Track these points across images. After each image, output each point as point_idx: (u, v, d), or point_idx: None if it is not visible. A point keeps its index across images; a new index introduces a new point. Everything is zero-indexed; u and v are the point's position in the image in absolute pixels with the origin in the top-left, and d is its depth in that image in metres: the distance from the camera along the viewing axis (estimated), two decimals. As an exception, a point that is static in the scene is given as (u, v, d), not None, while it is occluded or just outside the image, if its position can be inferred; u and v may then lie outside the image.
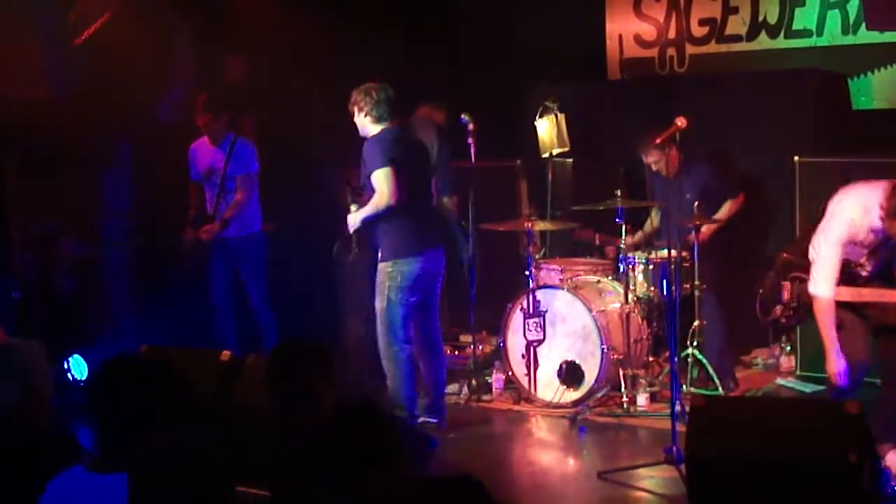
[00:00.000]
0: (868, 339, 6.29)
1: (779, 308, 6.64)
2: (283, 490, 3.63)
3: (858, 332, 6.28)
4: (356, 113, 7.46)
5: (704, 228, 8.32)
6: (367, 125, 7.44)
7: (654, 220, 8.89)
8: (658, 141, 7.40)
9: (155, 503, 3.20)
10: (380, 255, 7.50)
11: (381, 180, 7.23)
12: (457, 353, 9.35)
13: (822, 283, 6.25)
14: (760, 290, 6.91)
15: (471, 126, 8.14)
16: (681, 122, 7.32)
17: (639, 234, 8.81)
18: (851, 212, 6.22)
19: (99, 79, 8.48)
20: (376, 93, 7.41)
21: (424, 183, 7.69)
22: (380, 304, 7.45)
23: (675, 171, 8.17)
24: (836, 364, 6.19)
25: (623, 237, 8.27)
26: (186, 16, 9.23)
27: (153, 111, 8.99)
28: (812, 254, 6.37)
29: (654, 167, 8.34)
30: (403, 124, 8.61)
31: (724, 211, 8.53)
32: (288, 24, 9.33)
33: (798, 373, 8.66)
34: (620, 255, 8.36)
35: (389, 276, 7.42)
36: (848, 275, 6.29)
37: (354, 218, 7.41)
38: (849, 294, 6.27)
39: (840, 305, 6.24)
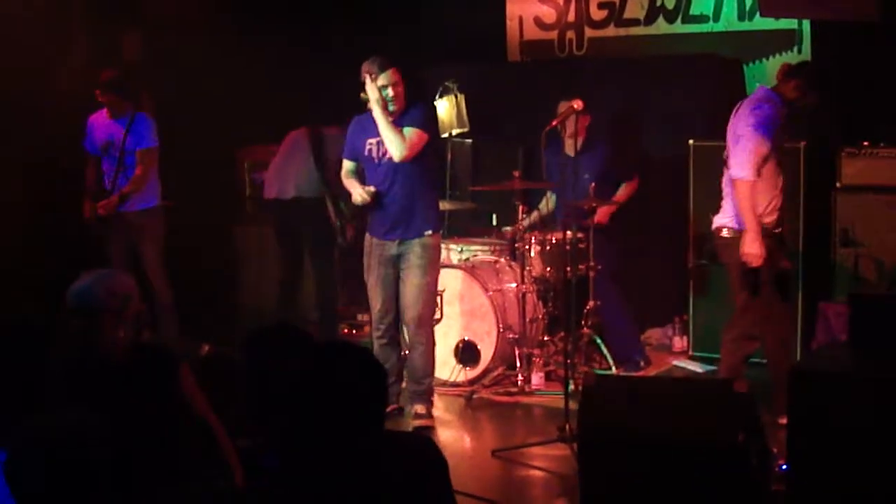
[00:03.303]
0: None
1: None
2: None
3: None
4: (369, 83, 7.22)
5: (602, 209, 8.43)
6: None
7: (549, 201, 8.97)
8: (554, 123, 7.47)
9: (28, 486, 3.18)
10: (427, 226, 7.34)
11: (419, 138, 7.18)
12: (354, 332, 9.37)
13: (746, 167, 6.71)
14: None
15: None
16: (577, 104, 7.40)
17: (534, 215, 8.89)
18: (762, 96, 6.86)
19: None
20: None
21: None
22: (429, 277, 7.33)
23: (575, 149, 8.27)
24: (751, 245, 6.68)
25: (519, 217, 8.35)
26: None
27: (49, 87, 8.83)
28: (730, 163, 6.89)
29: (566, 139, 8.38)
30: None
31: (621, 193, 8.64)
32: (185, 1, 9.25)
33: (691, 353, 8.81)
34: (516, 236, 8.43)
35: (438, 249, 7.51)
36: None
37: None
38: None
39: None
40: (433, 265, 7.39)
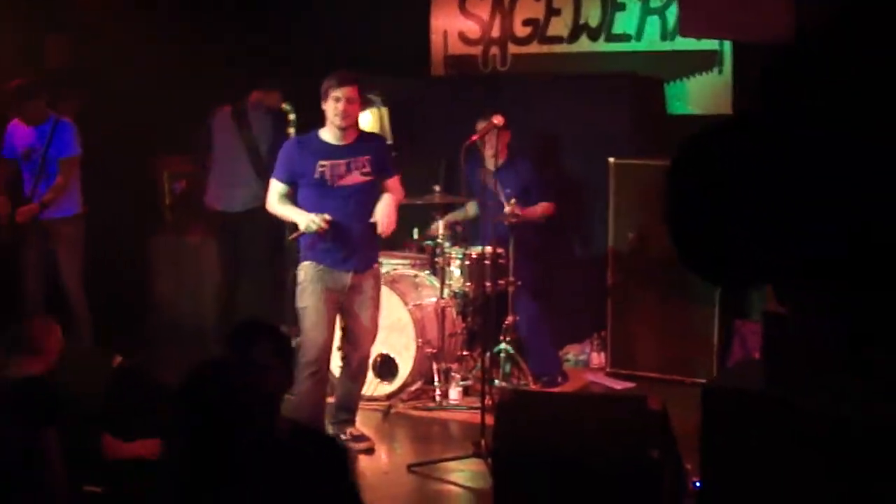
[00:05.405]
0: None
1: None
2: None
3: None
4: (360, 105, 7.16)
5: (526, 211, 8.41)
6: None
7: (469, 210, 8.94)
8: (474, 138, 7.48)
9: None
10: (377, 256, 7.35)
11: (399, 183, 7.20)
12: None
13: None
14: None
15: (291, 116, 8.10)
16: (497, 119, 7.43)
17: (449, 216, 8.80)
18: None
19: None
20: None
21: None
22: (378, 308, 7.28)
23: (496, 165, 8.28)
24: None
25: (439, 231, 8.35)
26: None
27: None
28: None
29: (487, 154, 8.35)
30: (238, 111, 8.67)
31: (537, 209, 8.62)
32: (111, 6, 9.17)
33: (608, 369, 8.85)
34: (437, 249, 8.43)
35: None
36: None
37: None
38: None
39: None
40: (380, 295, 7.34)
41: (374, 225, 7.02)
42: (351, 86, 6.83)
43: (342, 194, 6.91)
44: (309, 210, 6.88)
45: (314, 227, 6.80)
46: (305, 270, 6.99)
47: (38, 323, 5.38)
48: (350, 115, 6.89)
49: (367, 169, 6.98)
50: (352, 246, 6.96)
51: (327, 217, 6.80)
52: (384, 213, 6.97)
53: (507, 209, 8.12)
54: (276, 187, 7.04)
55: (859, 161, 2.43)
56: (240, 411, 3.52)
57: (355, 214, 6.96)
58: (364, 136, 7.13)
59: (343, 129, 6.90)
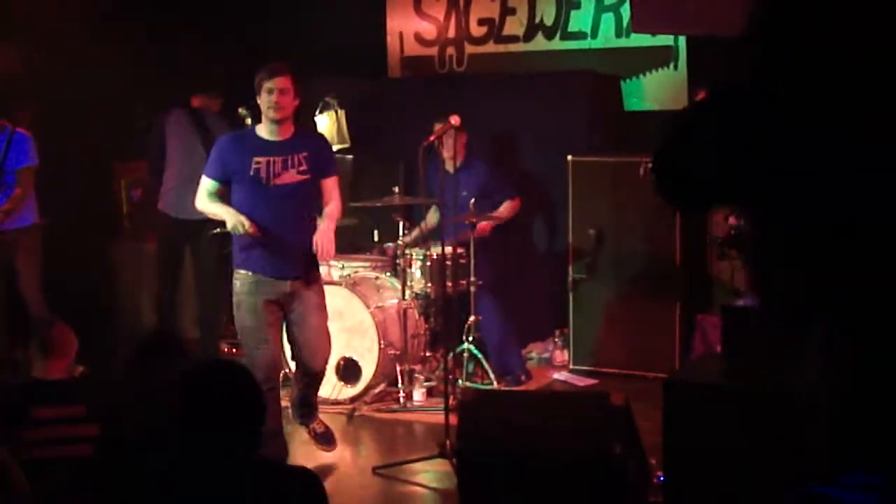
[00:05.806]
0: None
1: None
2: None
3: None
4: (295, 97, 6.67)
5: (483, 224, 8.44)
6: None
7: (430, 219, 8.97)
8: (431, 139, 7.47)
9: None
10: (317, 261, 6.87)
11: (337, 186, 6.88)
12: (234, 350, 9.26)
13: None
14: None
15: (248, 121, 8.07)
16: (454, 120, 7.43)
17: (416, 232, 8.88)
18: None
19: None
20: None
21: None
22: (326, 312, 6.94)
23: (454, 167, 8.29)
24: None
25: (401, 233, 8.35)
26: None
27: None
28: None
29: (445, 155, 8.34)
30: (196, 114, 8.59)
31: (503, 210, 8.65)
32: (63, 13, 9.12)
33: (571, 367, 8.87)
34: (398, 252, 8.43)
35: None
36: None
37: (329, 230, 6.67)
38: None
39: None
40: (324, 302, 7.00)
41: (307, 228, 6.67)
42: (283, 76, 6.52)
43: (278, 194, 6.55)
44: (243, 211, 6.54)
45: (241, 229, 6.46)
46: (241, 280, 6.66)
47: (60, 327, 5.38)
48: (284, 108, 6.53)
49: (304, 167, 6.61)
50: (287, 250, 6.60)
51: (258, 234, 6.48)
52: (323, 237, 6.60)
53: (472, 219, 8.14)
54: (206, 185, 6.68)
55: (829, 147, 2.44)
56: (260, 410, 3.52)
57: (292, 216, 6.62)
58: (301, 133, 6.82)
59: (278, 123, 6.56)
